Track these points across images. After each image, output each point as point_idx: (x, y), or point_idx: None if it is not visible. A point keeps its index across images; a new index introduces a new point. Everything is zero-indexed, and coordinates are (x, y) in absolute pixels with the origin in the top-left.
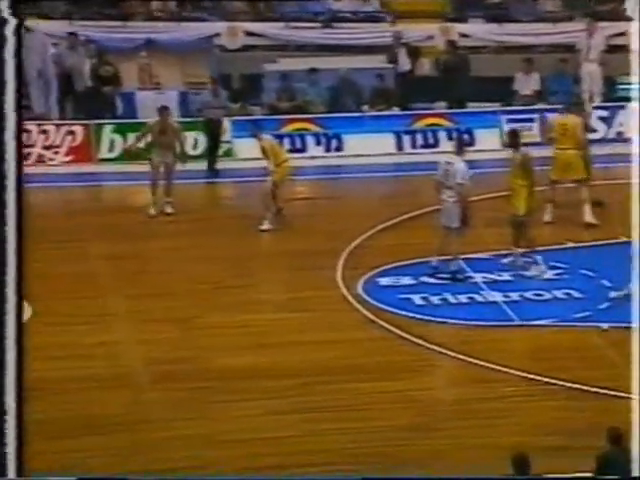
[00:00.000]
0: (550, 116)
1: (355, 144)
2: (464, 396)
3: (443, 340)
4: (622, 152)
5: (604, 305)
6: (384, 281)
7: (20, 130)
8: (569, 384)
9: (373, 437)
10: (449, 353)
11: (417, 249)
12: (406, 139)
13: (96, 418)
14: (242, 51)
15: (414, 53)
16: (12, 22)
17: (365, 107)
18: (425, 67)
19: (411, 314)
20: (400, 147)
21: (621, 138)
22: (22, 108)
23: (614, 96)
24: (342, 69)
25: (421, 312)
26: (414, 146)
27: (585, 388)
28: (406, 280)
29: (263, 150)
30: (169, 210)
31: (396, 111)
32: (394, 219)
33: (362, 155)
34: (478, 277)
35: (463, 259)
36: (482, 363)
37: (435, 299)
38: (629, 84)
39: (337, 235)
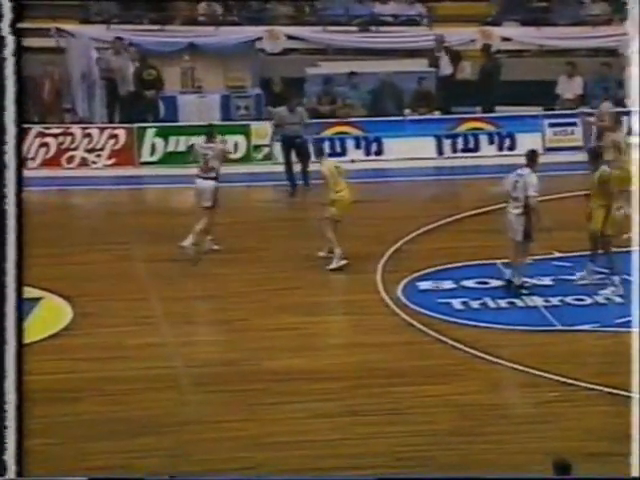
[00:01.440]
0: None
1: (395, 148)
2: (505, 401)
3: (483, 344)
4: None
5: None
6: (424, 285)
7: (21, 136)
8: (611, 389)
9: (417, 441)
10: (489, 358)
11: (457, 253)
12: (447, 143)
13: (144, 419)
14: (283, 55)
15: (455, 57)
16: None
17: (406, 111)
18: (466, 71)
19: (450, 318)
20: (441, 151)
21: None
22: (23, 112)
23: None
24: (383, 73)
25: (460, 316)
26: (455, 150)
27: (627, 394)
28: (446, 284)
29: (323, 176)
30: (215, 247)
31: (437, 115)
32: (435, 223)
33: (402, 159)
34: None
35: (503, 264)
36: (523, 368)
37: (475, 304)
38: None
39: (377, 239)
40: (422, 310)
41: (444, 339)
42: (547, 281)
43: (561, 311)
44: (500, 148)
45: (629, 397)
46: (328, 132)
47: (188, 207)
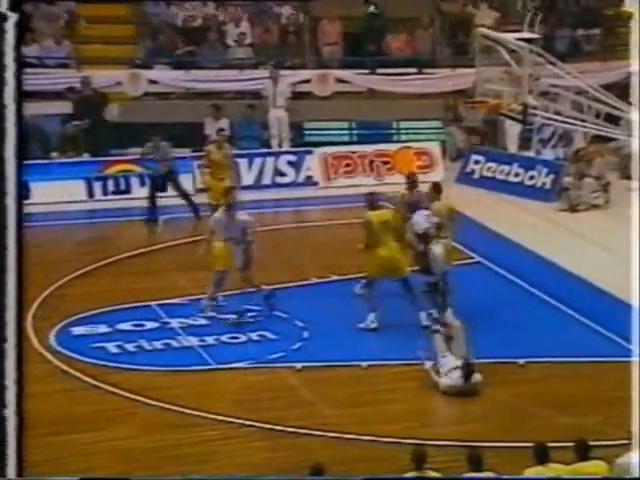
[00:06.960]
0: None
1: (43, 191)
2: (165, 443)
3: (139, 387)
4: (311, 195)
5: (297, 345)
6: (77, 330)
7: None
8: (266, 425)
9: None
10: (146, 400)
11: (112, 296)
12: (97, 185)
13: None
14: None
15: (103, 99)
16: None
17: (54, 154)
18: (114, 113)
19: (106, 363)
20: (91, 194)
21: (310, 182)
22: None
23: (301, 141)
24: (28, 115)
25: (116, 360)
26: (106, 193)
27: (282, 428)
28: (101, 328)
29: None
30: None
31: (86, 157)
32: (88, 266)
33: (51, 203)
34: (174, 322)
35: (159, 305)
36: (179, 409)
37: (130, 346)
38: (315, 129)
39: (26, 285)
40: (76, 356)
41: (100, 384)
42: (203, 321)
43: (216, 350)
44: None
45: (283, 431)
46: None
47: None
